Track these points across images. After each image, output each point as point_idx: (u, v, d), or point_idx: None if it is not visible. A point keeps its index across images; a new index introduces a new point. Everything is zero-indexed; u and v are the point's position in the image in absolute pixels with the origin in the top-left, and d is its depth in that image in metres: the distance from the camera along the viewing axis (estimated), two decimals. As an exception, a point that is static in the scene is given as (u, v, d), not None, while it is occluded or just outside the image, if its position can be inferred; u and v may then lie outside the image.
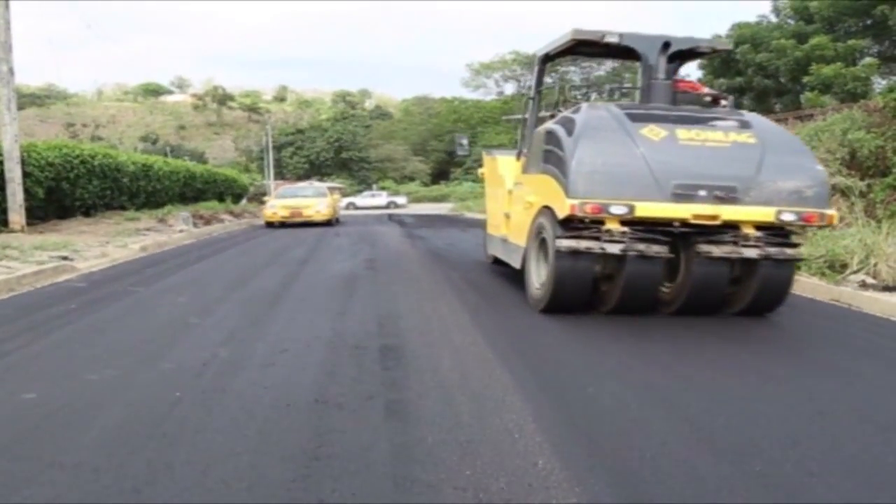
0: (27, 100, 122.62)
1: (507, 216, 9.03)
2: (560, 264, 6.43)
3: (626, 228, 6.25)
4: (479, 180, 12.25)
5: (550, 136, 7.08)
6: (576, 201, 6.17)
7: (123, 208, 21.87)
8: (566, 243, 6.30)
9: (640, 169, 6.26)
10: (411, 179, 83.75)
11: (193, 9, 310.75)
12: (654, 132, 6.47)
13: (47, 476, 3.18)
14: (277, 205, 24.36)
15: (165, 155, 48.20)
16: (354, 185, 78.44)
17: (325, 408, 4.13)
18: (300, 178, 73.87)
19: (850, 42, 25.91)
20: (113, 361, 5.24)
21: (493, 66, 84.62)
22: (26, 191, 15.95)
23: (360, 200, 61.41)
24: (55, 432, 3.77)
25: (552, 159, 6.86)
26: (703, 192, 6.26)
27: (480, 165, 12.11)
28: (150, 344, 5.84)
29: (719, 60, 28.22)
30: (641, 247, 6.21)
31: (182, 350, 5.61)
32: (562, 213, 6.36)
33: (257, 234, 20.52)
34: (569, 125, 6.78)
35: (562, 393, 4.46)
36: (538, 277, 7.23)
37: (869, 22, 27.05)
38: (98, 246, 13.84)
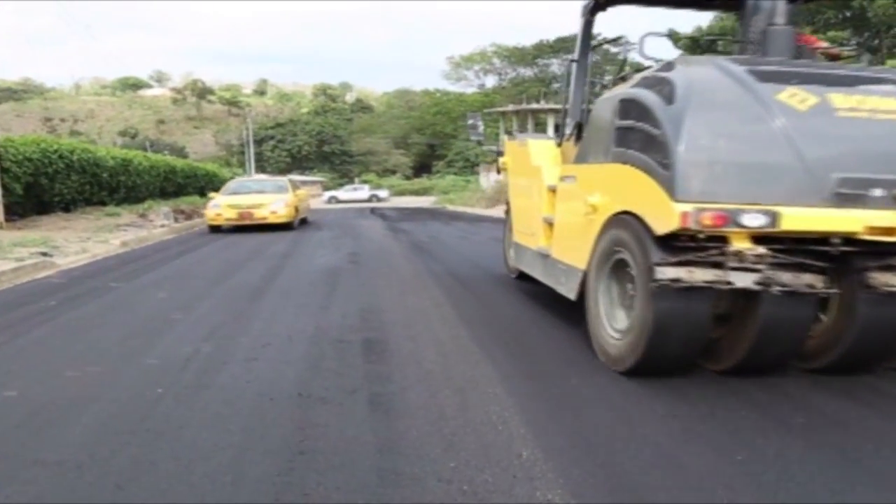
0: (3, 95, 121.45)
1: (548, 223, 6.60)
2: (661, 306, 4.19)
3: (762, 248, 4.06)
4: (501, 170, 9.36)
5: (632, 107, 4.83)
6: (688, 207, 4.00)
7: (103, 204, 21.70)
8: (671, 273, 4.12)
9: (784, 154, 4.15)
10: (393, 173, 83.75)
11: (172, 2, 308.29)
12: (797, 98, 4.28)
13: (29, 474, 3.16)
14: (223, 203, 18.77)
15: (145, 150, 47.85)
16: (336, 179, 78.29)
17: (309, 402, 4.13)
18: (282, 171, 73.58)
19: (830, 34, 26.13)
20: (95, 358, 5.21)
21: (473, 59, 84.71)
22: (4, 187, 15.82)
23: (342, 194, 61.29)
24: (37, 430, 3.75)
25: (637, 141, 4.67)
26: (878, 192, 4.15)
27: (499, 154, 9.57)
28: (132, 340, 5.81)
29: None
30: (787, 277, 4.11)
31: (164, 346, 5.58)
32: (664, 226, 4.15)
33: (237, 228, 20.44)
34: (663, 88, 4.53)
35: (546, 385, 4.48)
36: (613, 320, 4.97)
37: (848, 14, 27.28)
38: (78, 242, 13.73)
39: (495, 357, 5.11)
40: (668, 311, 4.21)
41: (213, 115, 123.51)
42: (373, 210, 35.99)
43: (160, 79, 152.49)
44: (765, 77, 4.41)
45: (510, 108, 56.22)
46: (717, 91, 4.40)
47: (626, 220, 4.68)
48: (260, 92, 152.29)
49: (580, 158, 5.94)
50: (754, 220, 4.03)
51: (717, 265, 4.12)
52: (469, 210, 33.32)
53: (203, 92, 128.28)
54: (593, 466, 3.18)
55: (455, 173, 72.19)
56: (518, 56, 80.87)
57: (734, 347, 4.49)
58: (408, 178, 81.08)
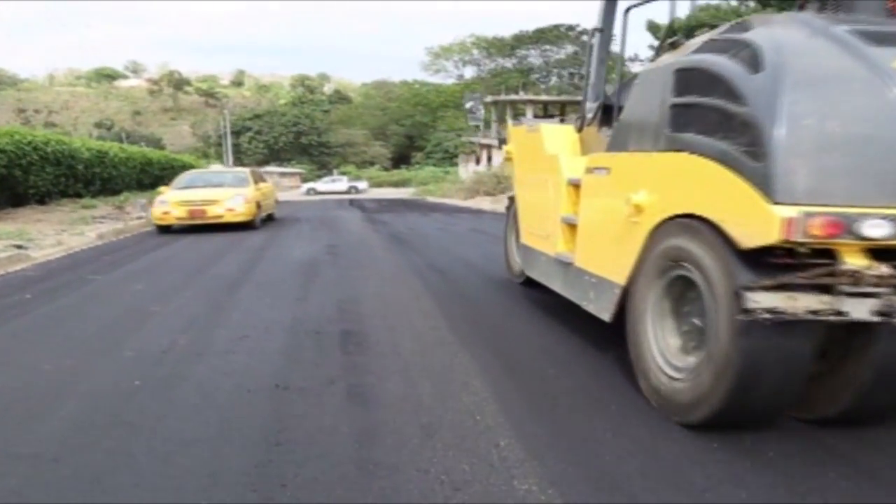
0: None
1: (569, 224, 5.52)
2: (751, 344, 3.20)
3: (886, 267, 3.09)
4: (506, 159, 8.14)
5: (698, 78, 3.81)
6: (793, 212, 3.02)
7: (79, 196, 21.50)
8: (767, 300, 3.12)
9: None
10: (372, 164, 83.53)
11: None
12: None
13: (5, 467, 3.14)
14: (171, 200, 15.89)
15: (121, 141, 47.45)
16: (315, 171, 77.97)
17: (287, 393, 4.13)
18: (259, 163, 73.37)
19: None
20: (71, 351, 5.18)
21: (452, 50, 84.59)
22: (-23, 179, 15.61)
23: (321, 186, 61.07)
24: (12, 423, 3.73)
25: (706, 122, 3.64)
26: None
27: (502, 142, 8.58)
28: (108, 332, 5.78)
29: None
30: None
31: (141, 338, 5.56)
32: (757, 237, 3.17)
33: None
34: (741, 53, 3.58)
35: (523, 375, 4.50)
36: (670, 354, 3.88)
37: None
38: (53, 234, 13.60)
39: (473, 348, 5.13)
40: (761, 350, 3.19)
41: (190, 107, 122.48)
42: (351, 201, 35.87)
43: (136, 70, 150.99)
44: (876, 39, 3.38)
45: (489, 98, 56.23)
46: (819, 56, 3.40)
47: (691, 226, 3.59)
48: (237, 83, 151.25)
49: (615, 146, 4.80)
50: (878, 230, 3.01)
51: (825, 289, 3.12)
52: (448, 201, 33.31)
53: (179, 83, 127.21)
54: (570, 456, 3.21)
55: (434, 164, 72.18)
56: (497, 47, 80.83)
57: (836, 393, 3.46)
58: (386, 169, 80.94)
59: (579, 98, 6.47)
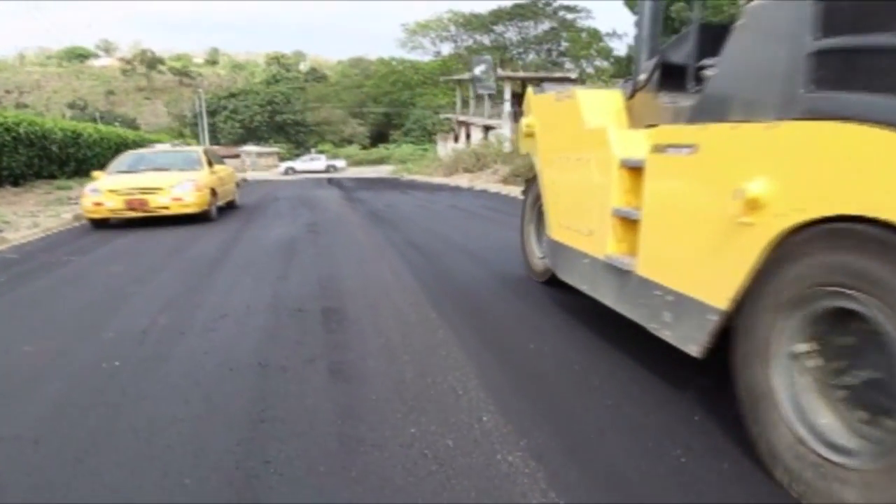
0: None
1: (624, 219, 4.31)
2: None
3: None
4: (526, 134, 6.29)
5: (871, 4, 2.63)
6: None
7: (54, 177, 21.27)
8: None
9: None
10: (349, 142, 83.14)
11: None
12: None
13: (-15, 449, 3.12)
14: (104, 188, 12.76)
15: (95, 121, 46.86)
16: (292, 150, 77.48)
17: (269, 371, 4.13)
18: (235, 142, 72.78)
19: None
20: (50, 332, 5.14)
21: (429, 26, 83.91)
22: (-52, 161, 15.37)
23: (299, 165, 60.67)
24: (-9, 405, 3.70)
25: (882, 76, 2.49)
26: None
27: (518, 115, 6.87)
28: (87, 314, 5.74)
29: None
30: None
31: (121, 319, 5.52)
32: None
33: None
34: None
35: (504, 350, 4.52)
36: (819, 423, 2.65)
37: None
38: (29, 216, 13.47)
39: (455, 324, 5.14)
40: None
41: (164, 86, 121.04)
42: (330, 180, 35.72)
43: (107, 49, 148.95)
44: None
45: (467, 75, 55.96)
46: None
47: (858, 234, 2.40)
48: (212, 61, 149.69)
49: (703, 114, 3.50)
50: None
51: None
52: (427, 179, 33.26)
53: (153, 62, 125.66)
54: (554, 430, 3.23)
55: (412, 142, 71.91)
56: (474, 23, 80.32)
57: None
58: (364, 147, 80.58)
59: (558, 74, 6.28)
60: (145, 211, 12.65)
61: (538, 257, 6.47)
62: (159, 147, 17.87)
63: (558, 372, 4.06)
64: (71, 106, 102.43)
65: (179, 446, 3.10)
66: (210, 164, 14.59)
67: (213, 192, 13.76)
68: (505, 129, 34.81)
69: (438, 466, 2.85)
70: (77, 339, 4.94)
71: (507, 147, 28.97)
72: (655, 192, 3.85)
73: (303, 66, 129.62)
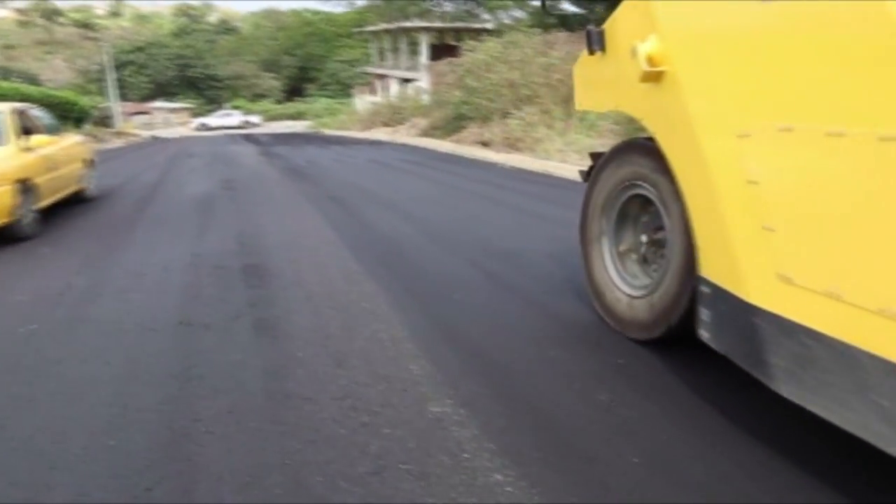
0: None
1: None
2: None
3: None
4: (648, 76, 3.23)
5: None
6: None
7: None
8: None
9: None
10: (264, 97, 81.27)
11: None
12: None
13: None
14: None
15: (-8, 77, 44.51)
16: (205, 105, 75.32)
17: (191, 329, 4.06)
18: (145, 98, 70.36)
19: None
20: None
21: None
22: None
23: (213, 121, 59.10)
24: None
25: None
26: None
27: (597, 42, 3.88)
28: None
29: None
30: None
31: (34, 281, 5.34)
32: None
33: (104, 157, 19.52)
34: None
35: (430, 301, 4.53)
36: None
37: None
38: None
39: (379, 277, 5.13)
40: None
41: (66, 39, 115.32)
42: (246, 136, 34.94)
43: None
44: None
45: (382, 26, 55.14)
46: None
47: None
48: (115, 13, 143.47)
49: None
50: None
51: None
52: (345, 133, 32.87)
53: (52, 13, 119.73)
54: (483, 379, 3.26)
55: (329, 96, 70.76)
56: (389, -27, 78.99)
57: None
58: (280, 102, 78.92)
59: (476, 25, 5.50)
60: None
61: (626, 294, 3.81)
62: None
63: (485, 322, 4.10)
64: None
65: (103, 408, 3.03)
66: (27, 133, 8.33)
67: (28, 188, 7.51)
68: (423, 81, 34.52)
69: (370, 417, 2.87)
70: (-13, 304, 4.76)
71: (425, 99, 28.81)
72: None
73: (212, 18, 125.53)
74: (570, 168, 11.60)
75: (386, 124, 30.28)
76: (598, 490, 2.33)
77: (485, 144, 17.09)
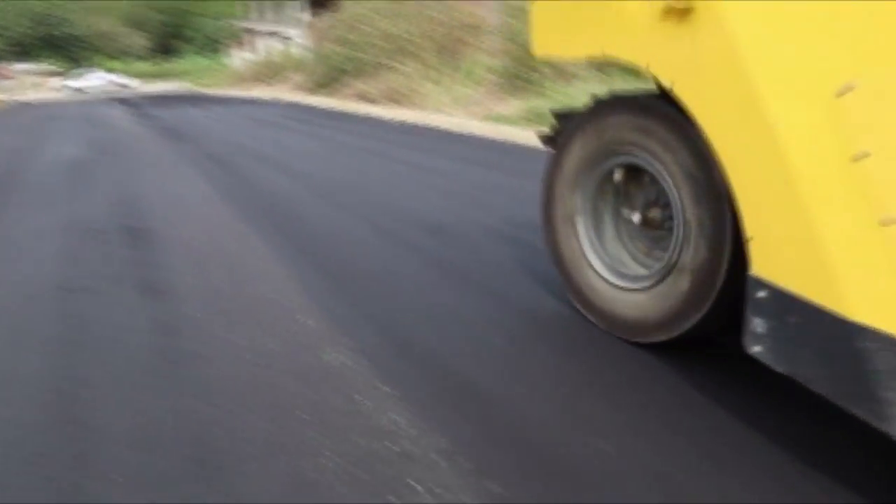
0: None
1: None
2: None
3: None
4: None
5: None
6: None
7: None
8: None
9: None
10: (136, 58, 77.74)
11: None
12: None
13: None
14: None
15: None
16: (69, 66, 71.45)
17: (72, 294, 3.92)
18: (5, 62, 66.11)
19: None
20: None
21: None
22: None
23: (79, 83, 56.17)
24: None
25: None
26: None
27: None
28: None
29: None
30: None
31: None
32: None
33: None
34: None
35: (319, 256, 4.51)
36: None
37: None
38: None
39: (264, 233, 5.07)
40: None
41: None
42: (121, 100, 33.40)
43: None
44: None
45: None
46: None
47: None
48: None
49: None
50: None
51: None
52: (222, 92, 31.87)
53: None
54: (377, 329, 3.27)
55: (200, 54, 68.37)
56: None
57: None
58: (154, 63, 75.72)
59: None
60: None
61: (612, 285, 3.11)
62: None
63: (376, 274, 4.11)
64: None
65: (-17, 377, 2.91)
66: None
67: None
68: (303, 37, 33.71)
69: (265, 369, 2.86)
70: None
71: (306, 56, 28.24)
72: None
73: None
74: (455, 121, 11.68)
75: (266, 83, 29.54)
76: (486, 425, 2.41)
77: (369, 101, 16.93)
